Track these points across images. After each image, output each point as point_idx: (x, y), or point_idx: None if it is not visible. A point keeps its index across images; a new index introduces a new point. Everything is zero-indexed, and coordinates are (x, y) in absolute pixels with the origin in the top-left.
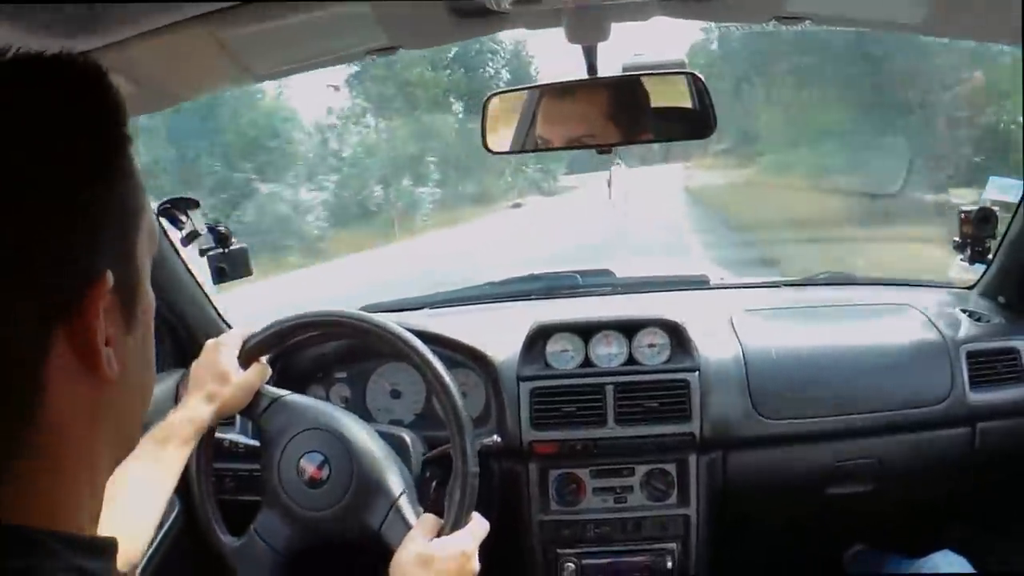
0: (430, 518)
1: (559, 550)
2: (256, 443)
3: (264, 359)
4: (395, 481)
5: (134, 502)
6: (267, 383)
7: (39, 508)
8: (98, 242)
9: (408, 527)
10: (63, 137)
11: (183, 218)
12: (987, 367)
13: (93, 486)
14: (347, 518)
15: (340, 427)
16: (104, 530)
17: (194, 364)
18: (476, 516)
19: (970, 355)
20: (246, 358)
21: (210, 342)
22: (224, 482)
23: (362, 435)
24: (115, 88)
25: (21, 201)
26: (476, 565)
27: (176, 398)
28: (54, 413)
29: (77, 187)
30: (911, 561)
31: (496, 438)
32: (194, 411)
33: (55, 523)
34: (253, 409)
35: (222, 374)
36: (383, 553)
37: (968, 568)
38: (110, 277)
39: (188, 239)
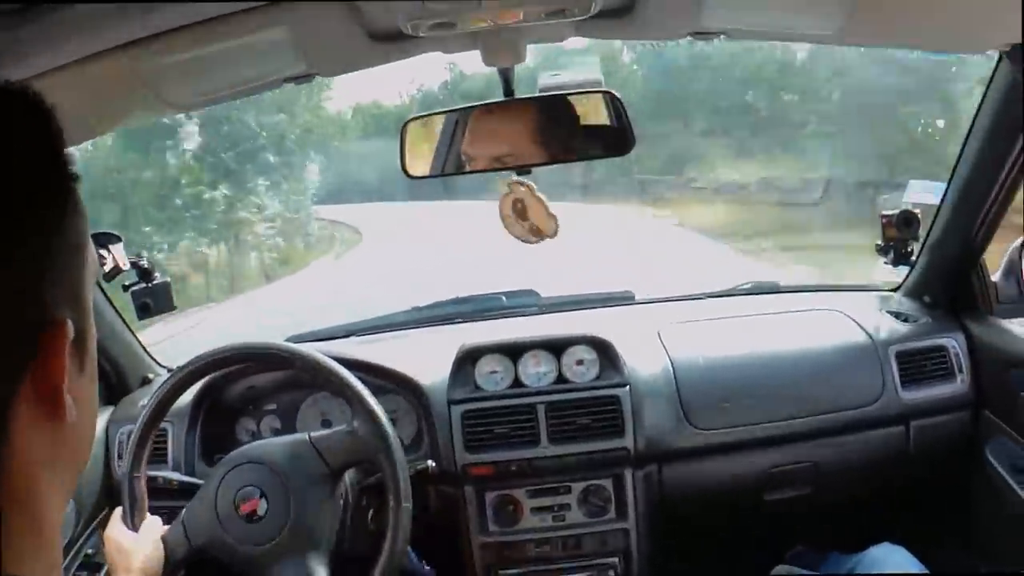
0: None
1: (501, 571)
2: (189, 479)
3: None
4: (314, 559)
5: None
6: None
7: (9, 556)
8: (57, 287)
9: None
10: (18, 183)
11: (105, 253)
12: (916, 366)
13: (54, 529)
14: (255, 562)
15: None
16: None
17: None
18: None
19: (899, 355)
20: (131, 522)
21: (107, 549)
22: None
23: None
24: (56, 120)
25: None
26: None
27: (106, 438)
28: (17, 460)
29: (34, 234)
30: (850, 557)
31: (431, 463)
32: None
33: (19, 568)
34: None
35: (124, 551)
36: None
37: (909, 558)
38: (71, 327)
39: (111, 275)
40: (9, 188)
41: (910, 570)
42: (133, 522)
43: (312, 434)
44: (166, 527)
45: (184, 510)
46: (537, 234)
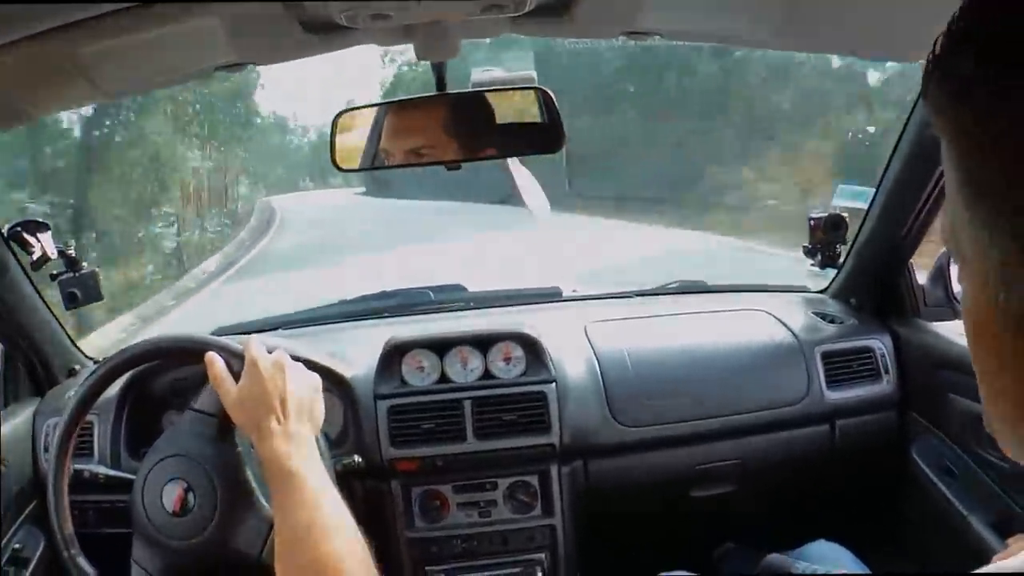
0: (218, 368)
1: (428, 567)
2: (117, 473)
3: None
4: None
5: None
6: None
7: None
8: None
9: None
10: None
11: (33, 241)
12: (843, 366)
13: None
14: (222, 543)
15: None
16: None
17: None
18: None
19: (825, 356)
20: None
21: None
22: (87, 515)
23: (223, 459)
24: None
25: None
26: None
27: (32, 427)
28: None
29: None
30: (787, 554)
31: (357, 458)
32: (303, 430)
33: None
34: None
35: (307, 392)
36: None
37: (847, 554)
38: None
39: (39, 263)
40: None
41: (850, 567)
42: None
43: (192, 404)
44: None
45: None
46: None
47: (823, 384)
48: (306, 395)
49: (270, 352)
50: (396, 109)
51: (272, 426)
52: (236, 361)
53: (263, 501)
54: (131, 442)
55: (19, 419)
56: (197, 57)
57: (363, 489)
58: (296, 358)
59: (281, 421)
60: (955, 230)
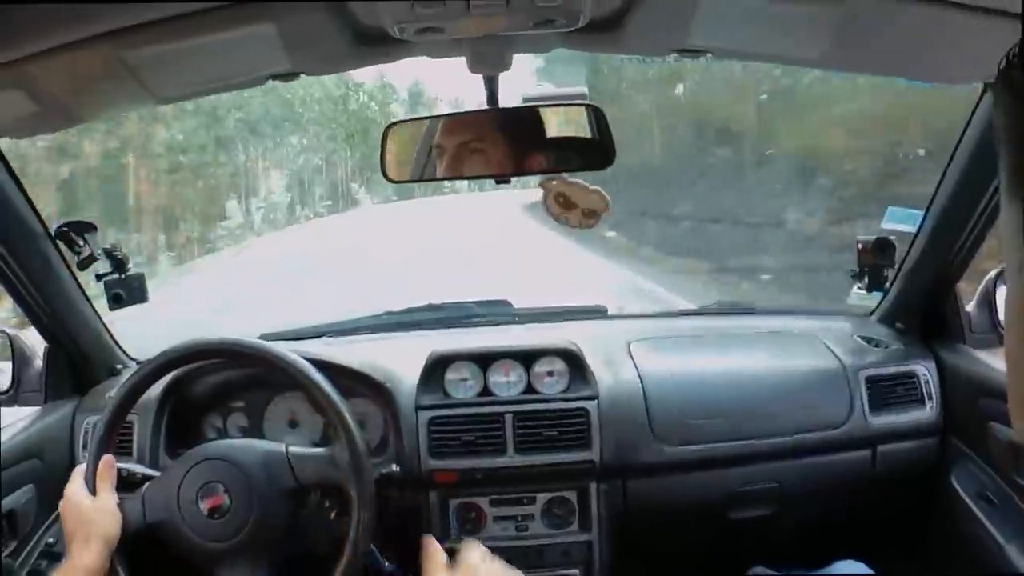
0: (435, 552)
1: None
2: (153, 472)
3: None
4: (266, 561)
5: None
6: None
7: None
8: None
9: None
10: None
11: (80, 242)
12: (886, 391)
13: None
14: (265, 529)
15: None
16: None
17: (63, 523)
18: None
19: (869, 380)
20: (92, 486)
21: (61, 503)
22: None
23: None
24: None
25: None
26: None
27: (72, 426)
28: None
29: None
30: (812, 573)
31: (395, 467)
32: (81, 559)
33: None
34: (128, 523)
35: (85, 518)
36: (315, 538)
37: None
38: None
39: (85, 263)
40: None
41: None
42: (93, 485)
43: (291, 449)
44: (122, 495)
45: (145, 486)
46: (592, 216)
47: (866, 409)
48: None
49: None
50: (448, 122)
51: None
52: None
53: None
54: (170, 443)
55: (59, 416)
56: (250, 65)
57: (400, 499)
58: (338, 366)
59: None
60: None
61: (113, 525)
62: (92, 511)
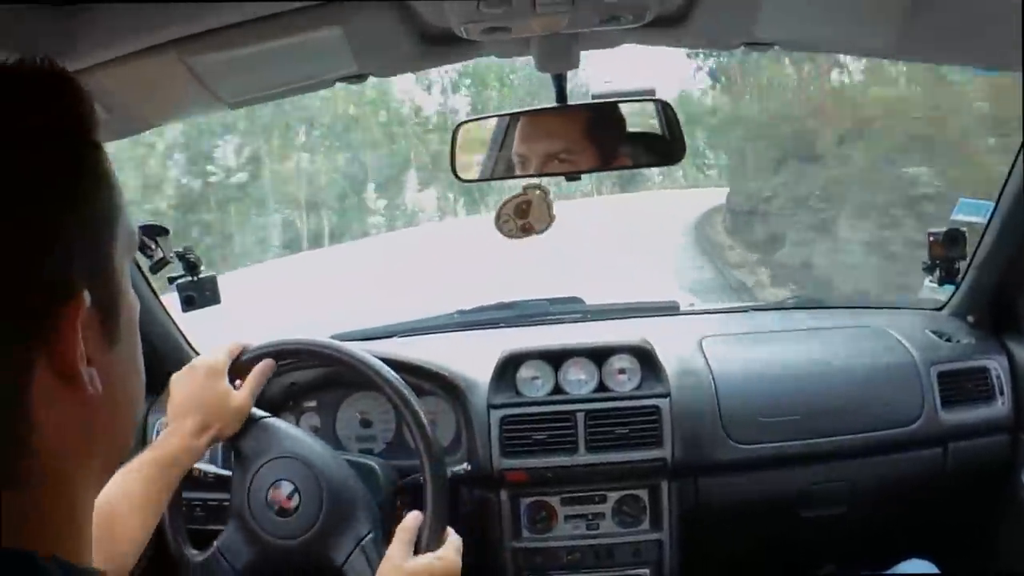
0: (409, 530)
1: None
2: (226, 472)
3: (263, 371)
4: (364, 520)
5: (125, 525)
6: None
7: (36, 535)
8: (71, 259)
9: (372, 569)
10: (27, 149)
11: (152, 245)
12: (958, 387)
13: (86, 506)
14: (311, 550)
15: (314, 458)
16: (102, 542)
17: (178, 386)
18: (450, 531)
19: (941, 375)
20: (238, 375)
21: (196, 363)
22: (194, 511)
23: (335, 468)
24: (83, 93)
25: None
26: None
27: (144, 424)
28: (42, 438)
29: (44, 202)
30: (878, 574)
31: (467, 466)
32: (190, 442)
33: (53, 548)
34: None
35: (215, 402)
36: None
37: (935, 570)
38: (86, 296)
39: (157, 267)
40: (19, 154)
41: None
42: (235, 377)
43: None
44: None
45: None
46: (527, 231)
47: (938, 405)
48: None
49: None
50: (525, 120)
51: None
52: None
53: (360, 515)
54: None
55: None
56: (317, 68)
57: (470, 497)
58: (411, 365)
59: None
60: None
61: (236, 426)
62: (229, 401)
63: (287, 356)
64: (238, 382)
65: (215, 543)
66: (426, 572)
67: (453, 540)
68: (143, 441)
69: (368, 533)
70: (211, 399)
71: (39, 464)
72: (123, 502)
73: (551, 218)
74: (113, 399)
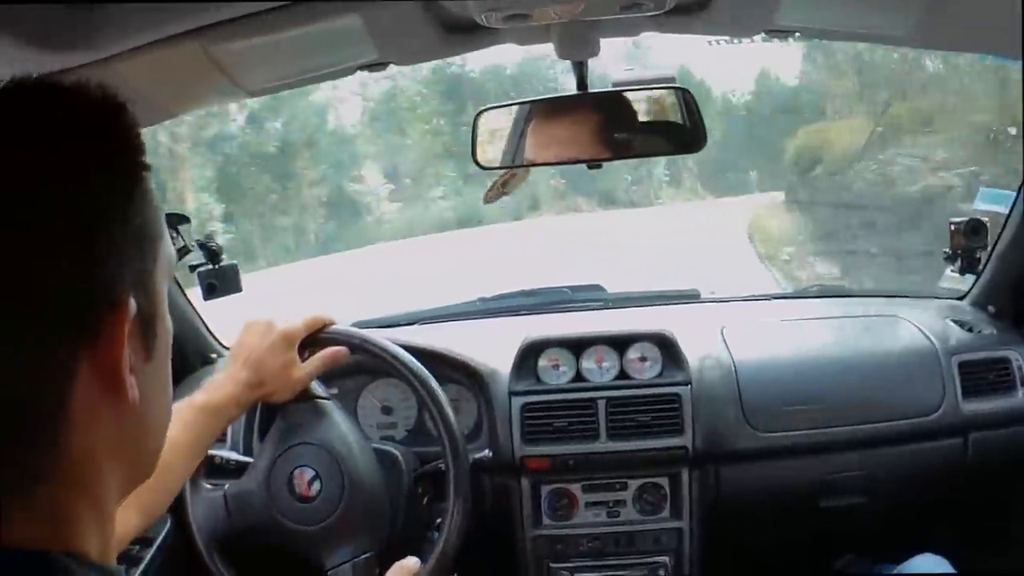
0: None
1: (552, 564)
2: (248, 459)
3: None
4: (368, 539)
5: (165, 468)
6: None
7: (62, 533)
8: (120, 267)
9: None
10: (83, 169)
11: (173, 234)
12: (979, 377)
13: (110, 510)
14: (308, 543)
15: (347, 456)
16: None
17: (248, 335)
18: None
19: (962, 365)
20: (310, 346)
21: (273, 324)
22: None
23: (365, 473)
24: (134, 119)
25: (44, 231)
26: None
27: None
28: (77, 438)
29: (98, 218)
30: (894, 566)
31: (488, 453)
32: (243, 393)
33: (77, 548)
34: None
35: (278, 366)
36: None
37: (948, 568)
38: (133, 304)
39: (179, 255)
40: (73, 173)
41: None
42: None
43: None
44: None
45: (228, 486)
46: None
47: (959, 395)
48: None
49: None
50: (543, 108)
51: None
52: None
53: (375, 523)
54: (263, 430)
55: None
56: (339, 56)
57: (492, 484)
58: (433, 352)
59: None
60: None
61: (287, 396)
62: (289, 368)
63: (308, 344)
64: (307, 353)
65: (225, 487)
66: None
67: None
68: None
69: (365, 553)
70: (275, 361)
71: (69, 463)
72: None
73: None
74: (145, 409)
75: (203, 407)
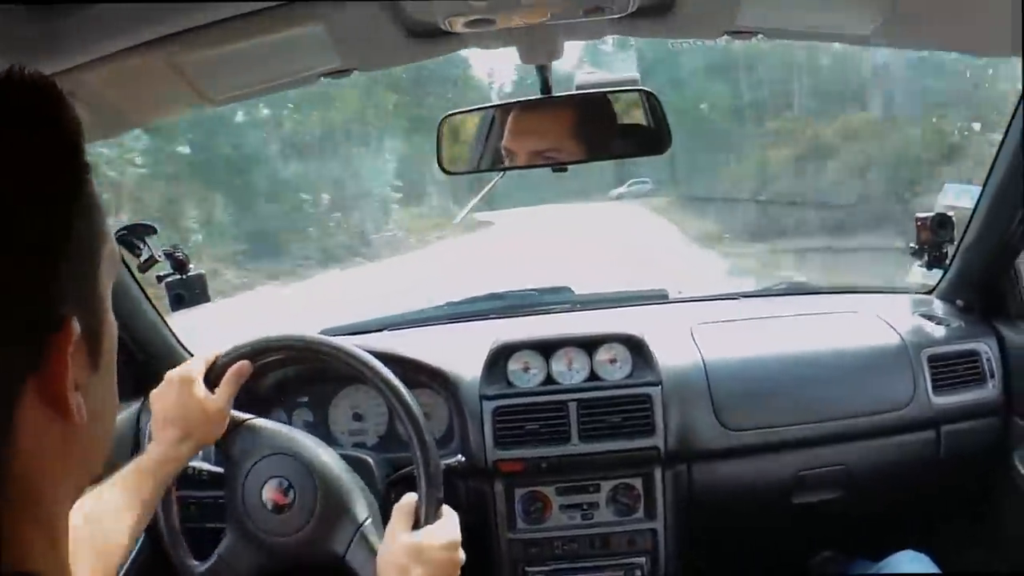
0: (407, 506)
1: (528, 568)
2: (220, 470)
3: (237, 373)
4: (361, 506)
5: (112, 533)
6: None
7: (13, 554)
8: (62, 286)
9: (373, 553)
10: (16, 170)
11: (140, 245)
12: (949, 370)
13: (62, 526)
14: (312, 543)
15: (304, 451)
16: (89, 553)
17: (156, 399)
18: (447, 508)
19: (932, 359)
20: (215, 380)
21: (172, 375)
22: (188, 509)
23: (326, 459)
24: (73, 111)
25: None
26: (463, 555)
27: (137, 428)
28: (24, 461)
29: (38, 230)
30: (872, 564)
31: (460, 458)
32: (171, 451)
33: (29, 567)
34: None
35: (194, 410)
36: None
37: (930, 566)
38: (76, 326)
39: (146, 266)
40: (12, 180)
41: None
42: (215, 382)
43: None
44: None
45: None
46: None
47: (929, 389)
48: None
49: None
50: (512, 112)
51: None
52: (335, 358)
53: (356, 504)
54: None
55: (123, 417)
56: (302, 64)
57: (465, 488)
58: (402, 358)
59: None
60: None
61: (218, 433)
62: (205, 407)
63: (267, 353)
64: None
65: (217, 551)
66: (427, 543)
67: (450, 513)
68: (136, 443)
69: (366, 519)
70: (188, 407)
71: (17, 486)
72: (108, 514)
73: None
74: (95, 423)
75: (137, 471)
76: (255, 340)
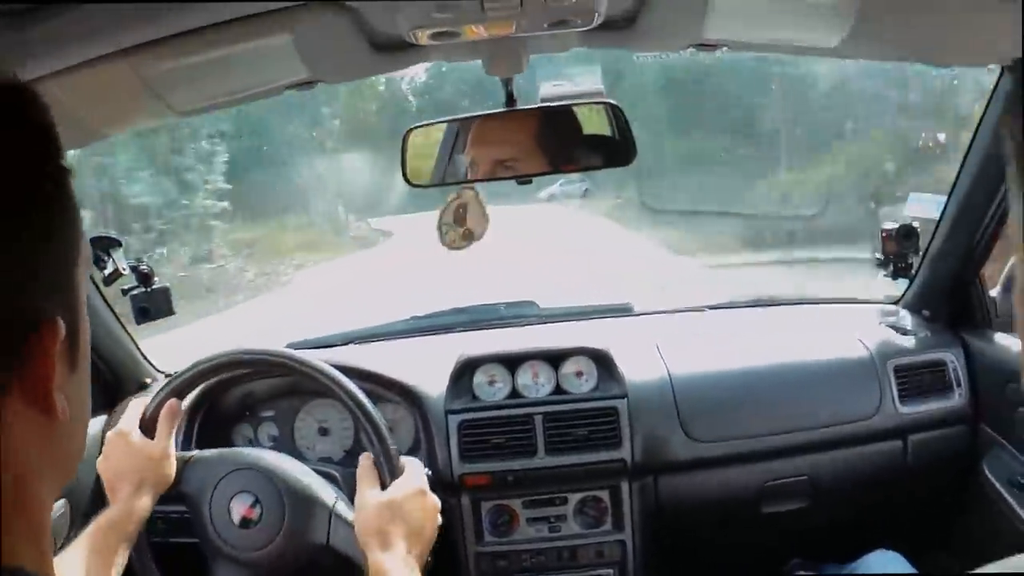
0: (367, 466)
1: None
2: (182, 508)
3: (169, 414)
4: (326, 492)
5: None
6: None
7: (1, 547)
8: (46, 287)
9: (351, 527)
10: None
11: (105, 257)
12: (915, 380)
13: (43, 521)
14: (295, 543)
15: (258, 461)
16: None
17: (102, 464)
18: (405, 458)
19: (898, 369)
20: (150, 425)
21: (108, 436)
22: (155, 524)
23: (277, 461)
24: (49, 113)
25: None
26: (435, 498)
27: (102, 441)
28: (8, 457)
29: (21, 232)
30: (845, 566)
31: (427, 472)
32: (131, 506)
33: (12, 562)
34: None
35: (139, 458)
36: (341, 561)
37: (904, 564)
38: (61, 326)
39: (111, 279)
40: None
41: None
42: (152, 427)
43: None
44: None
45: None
46: (468, 238)
47: (896, 398)
48: (432, 527)
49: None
50: (476, 124)
51: (398, 546)
52: (298, 372)
53: (320, 491)
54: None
55: (89, 432)
56: (269, 75)
57: None
58: (367, 372)
59: (409, 550)
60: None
61: (169, 473)
62: (149, 454)
63: (240, 366)
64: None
65: None
66: (398, 499)
67: (410, 461)
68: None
69: (335, 501)
70: (134, 458)
71: (2, 484)
72: (78, 574)
73: (487, 219)
74: (75, 421)
75: (98, 530)
76: (219, 355)
